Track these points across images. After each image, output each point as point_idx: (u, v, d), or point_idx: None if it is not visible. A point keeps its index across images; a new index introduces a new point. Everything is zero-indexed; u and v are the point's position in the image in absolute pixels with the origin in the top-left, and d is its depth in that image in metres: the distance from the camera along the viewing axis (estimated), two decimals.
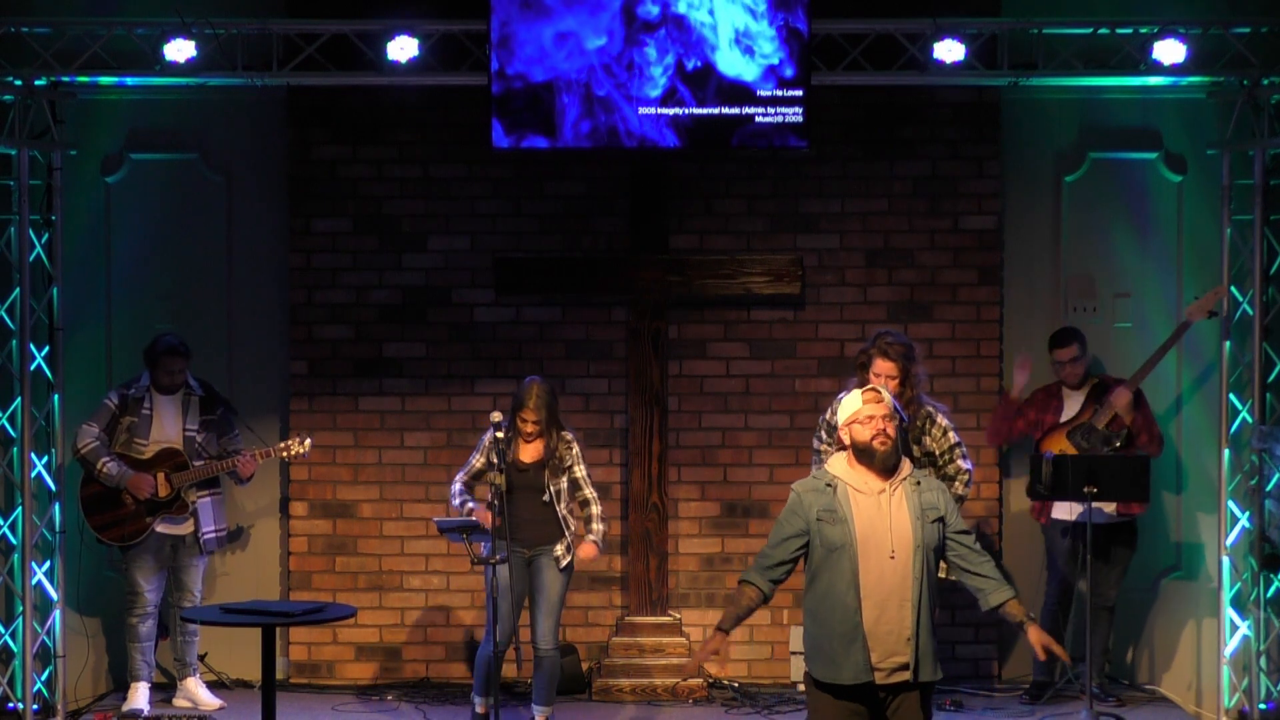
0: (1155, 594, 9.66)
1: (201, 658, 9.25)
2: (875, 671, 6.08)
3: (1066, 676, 9.08)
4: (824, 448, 8.17)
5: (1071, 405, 9.05)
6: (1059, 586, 9.11)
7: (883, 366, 7.95)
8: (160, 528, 8.84)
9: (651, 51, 8.91)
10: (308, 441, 8.92)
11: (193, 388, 8.95)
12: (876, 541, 6.09)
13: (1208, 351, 9.16)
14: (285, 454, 8.93)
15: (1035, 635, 6.26)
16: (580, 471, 8.34)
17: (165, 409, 8.88)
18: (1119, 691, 9.27)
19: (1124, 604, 9.56)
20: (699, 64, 8.91)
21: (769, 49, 8.90)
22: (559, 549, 8.27)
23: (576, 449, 8.36)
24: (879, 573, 6.08)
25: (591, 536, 8.31)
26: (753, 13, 8.87)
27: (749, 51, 8.90)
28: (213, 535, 8.94)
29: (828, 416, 8.11)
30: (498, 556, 7.93)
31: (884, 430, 6.17)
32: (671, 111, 8.95)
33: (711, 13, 8.88)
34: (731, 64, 8.91)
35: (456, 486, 8.34)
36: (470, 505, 8.24)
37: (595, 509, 8.35)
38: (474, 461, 8.34)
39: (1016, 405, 9.10)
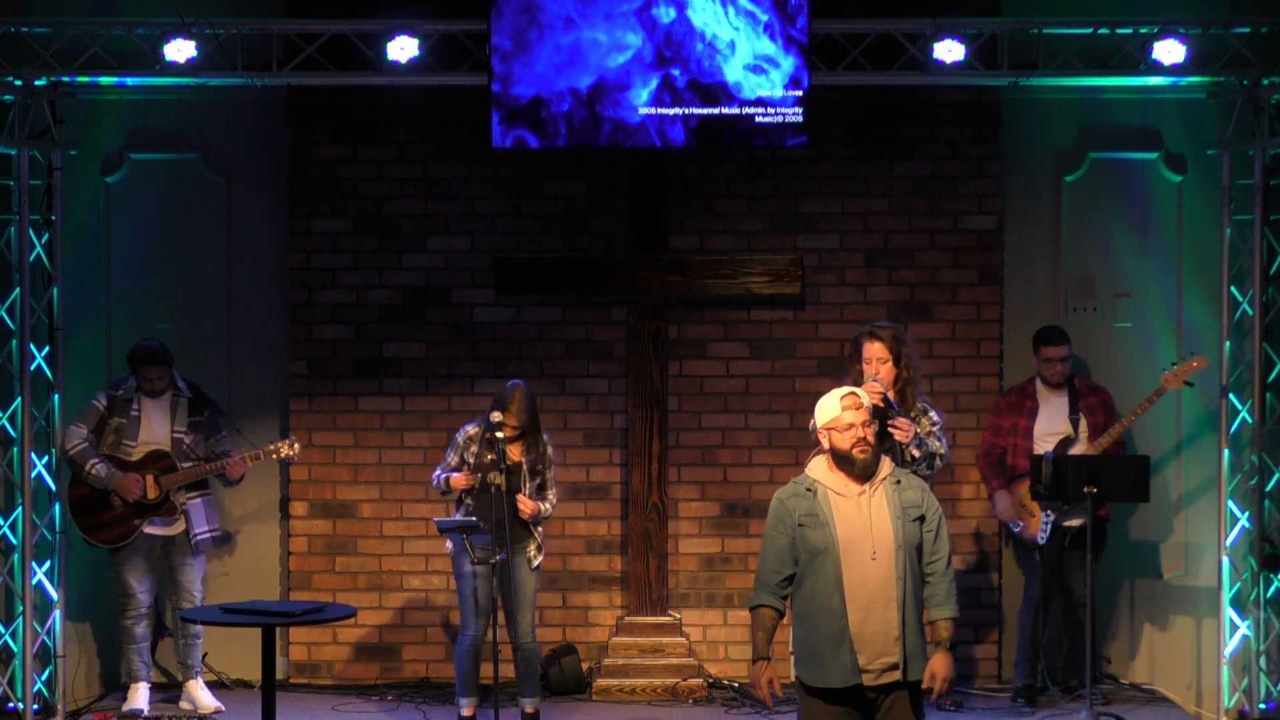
0: (1155, 594, 9.66)
1: (202, 658, 9.24)
2: (864, 673, 6.07)
3: (1058, 681, 9.10)
4: None
5: (1047, 409, 9.02)
6: (1036, 589, 9.04)
7: (873, 350, 7.87)
8: (149, 529, 8.82)
9: (654, 57, 8.92)
10: (296, 445, 8.91)
11: (181, 389, 8.91)
12: (858, 543, 6.09)
13: (1208, 352, 9.14)
14: (275, 456, 8.91)
15: (934, 662, 6.16)
16: (550, 474, 8.49)
17: (153, 411, 8.86)
18: (1108, 692, 9.25)
19: (1124, 604, 9.58)
20: (701, 69, 8.92)
21: (774, 55, 8.90)
22: (530, 549, 8.39)
23: (550, 452, 8.50)
24: (862, 574, 6.07)
25: (541, 504, 8.39)
26: (753, 17, 8.87)
27: (758, 70, 8.91)
28: (206, 535, 8.92)
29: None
30: (497, 557, 7.99)
31: (863, 438, 6.15)
32: (672, 111, 8.96)
33: (716, 17, 8.89)
34: (735, 70, 8.91)
35: (437, 472, 8.45)
36: (447, 476, 8.35)
37: (550, 502, 8.45)
38: (450, 459, 8.44)
39: (987, 440, 9.12)
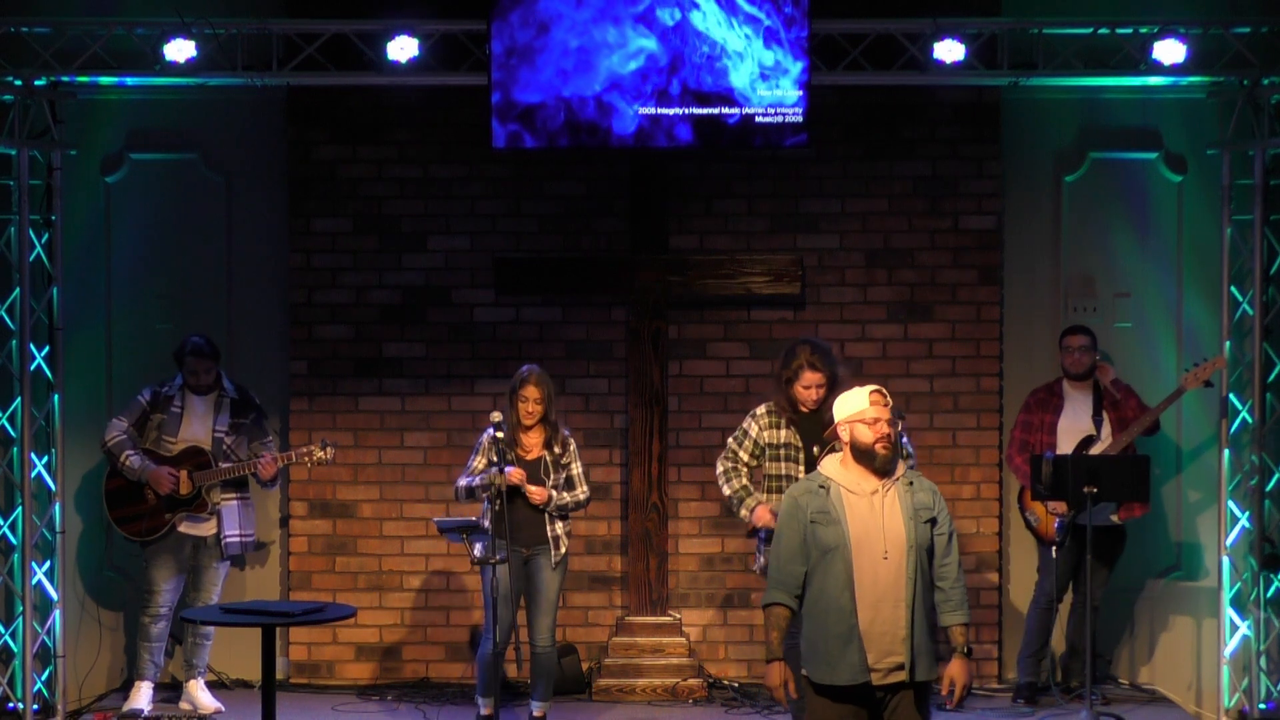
0: (1155, 594, 9.66)
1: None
2: (872, 672, 6.09)
3: (1062, 680, 9.10)
4: (737, 466, 8.04)
5: (1071, 406, 9.04)
6: (1049, 587, 9.07)
7: (812, 378, 7.76)
8: (182, 528, 8.82)
9: (658, 62, 8.92)
10: (330, 449, 8.87)
11: (226, 390, 8.95)
12: (870, 542, 6.10)
13: (1208, 351, 9.15)
14: (307, 459, 8.89)
15: (952, 668, 6.20)
16: (577, 469, 8.36)
17: (196, 408, 8.88)
18: (1109, 692, 9.25)
19: (1125, 604, 9.58)
20: (702, 79, 8.92)
21: (781, 61, 8.91)
22: (550, 547, 8.28)
23: (574, 446, 8.39)
24: (873, 574, 6.09)
25: (552, 490, 8.25)
26: (757, 22, 8.88)
27: (765, 76, 8.91)
28: (236, 539, 8.90)
29: (749, 430, 8.01)
30: (496, 557, 7.95)
31: (888, 435, 6.18)
32: (672, 111, 8.96)
33: (718, 22, 8.89)
34: (741, 77, 8.92)
35: (461, 483, 8.31)
36: (481, 479, 8.19)
37: (580, 491, 8.33)
38: (474, 463, 8.32)
39: (1019, 437, 9.11)
